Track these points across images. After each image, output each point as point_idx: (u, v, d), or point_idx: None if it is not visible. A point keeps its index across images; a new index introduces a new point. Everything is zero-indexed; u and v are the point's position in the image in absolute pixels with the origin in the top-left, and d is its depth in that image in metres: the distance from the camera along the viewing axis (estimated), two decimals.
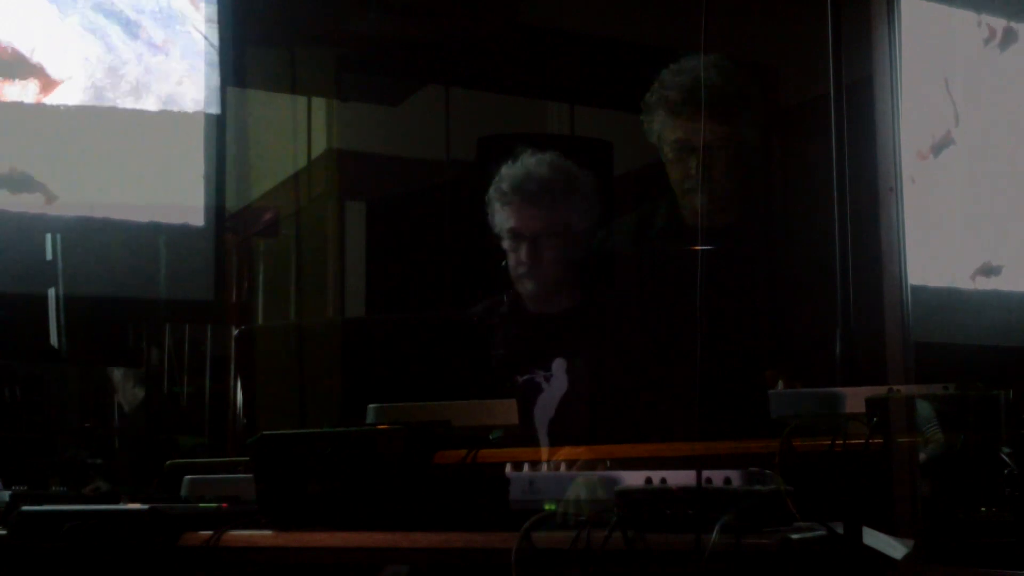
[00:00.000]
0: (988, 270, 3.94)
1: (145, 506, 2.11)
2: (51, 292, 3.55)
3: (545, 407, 2.89)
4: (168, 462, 2.51)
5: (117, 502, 2.34)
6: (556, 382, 2.91)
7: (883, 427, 1.74)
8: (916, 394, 1.79)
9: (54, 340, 3.55)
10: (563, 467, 2.29)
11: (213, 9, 3.87)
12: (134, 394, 4.60)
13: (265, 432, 2.10)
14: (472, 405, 2.20)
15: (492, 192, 3.03)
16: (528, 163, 3.01)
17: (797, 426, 1.81)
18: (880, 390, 1.79)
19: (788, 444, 1.79)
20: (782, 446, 1.79)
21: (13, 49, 3.62)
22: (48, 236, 3.58)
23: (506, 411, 2.23)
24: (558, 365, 2.91)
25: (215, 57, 3.86)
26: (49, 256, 3.58)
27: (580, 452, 2.10)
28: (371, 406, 2.17)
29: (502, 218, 3.02)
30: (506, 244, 3.04)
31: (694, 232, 2.93)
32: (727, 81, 2.92)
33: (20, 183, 3.61)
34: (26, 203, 3.61)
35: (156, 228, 3.77)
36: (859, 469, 1.72)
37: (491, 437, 2.24)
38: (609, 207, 3.30)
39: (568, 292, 3.04)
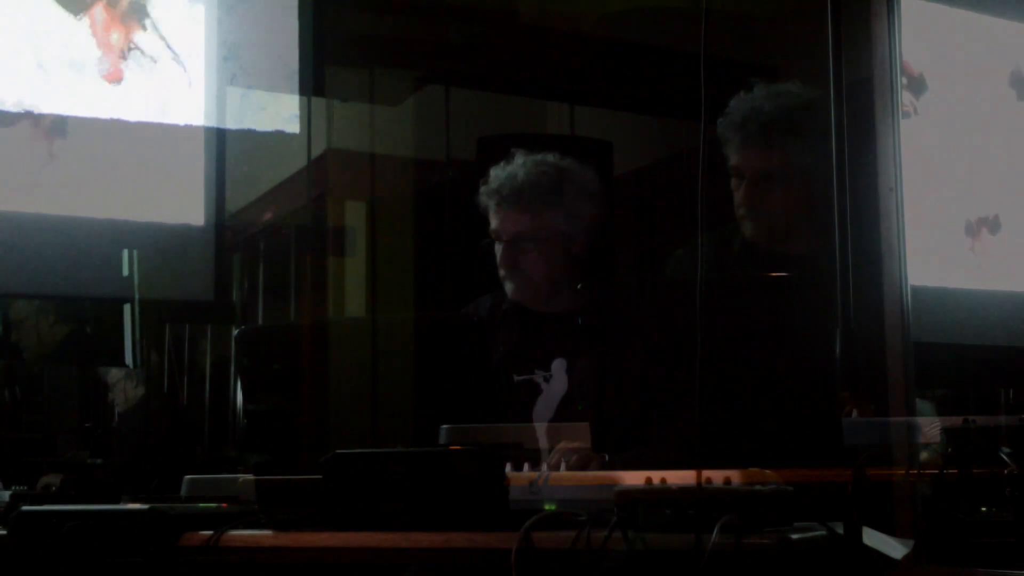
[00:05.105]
0: (988, 268, 3.94)
1: (145, 506, 2.11)
2: (126, 307, 3.53)
3: (544, 408, 2.86)
4: (241, 478, 2.48)
5: (117, 501, 2.34)
6: (556, 383, 2.88)
7: (959, 458, 1.74)
8: (991, 424, 1.78)
9: (128, 358, 3.54)
10: (563, 467, 2.29)
11: (213, 12, 3.87)
12: (132, 394, 4.60)
13: (339, 450, 2.08)
14: (543, 427, 2.21)
15: (480, 191, 3.00)
16: (515, 165, 2.95)
17: (870, 455, 1.81)
18: (955, 420, 1.79)
19: (862, 472, 1.78)
20: (855, 474, 1.78)
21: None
22: (125, 251, 3.58)
23: (578, 433, 2.23)
24: (558, 365, 2.88)
25: (215, 58, 3.86)
26: (126, 271, 3.56)
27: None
28: (443, 427, 2.15)
29: (489, 218, 2.99)
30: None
31: (767, 258, 2.94)
32: (778, 110, 2.94)
33: (16, 183, 3.61)
34: (23, 203, 3.60)
35: (156, 228, 3.77)
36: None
37: None
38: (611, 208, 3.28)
39: (569, 292, 2.98)
